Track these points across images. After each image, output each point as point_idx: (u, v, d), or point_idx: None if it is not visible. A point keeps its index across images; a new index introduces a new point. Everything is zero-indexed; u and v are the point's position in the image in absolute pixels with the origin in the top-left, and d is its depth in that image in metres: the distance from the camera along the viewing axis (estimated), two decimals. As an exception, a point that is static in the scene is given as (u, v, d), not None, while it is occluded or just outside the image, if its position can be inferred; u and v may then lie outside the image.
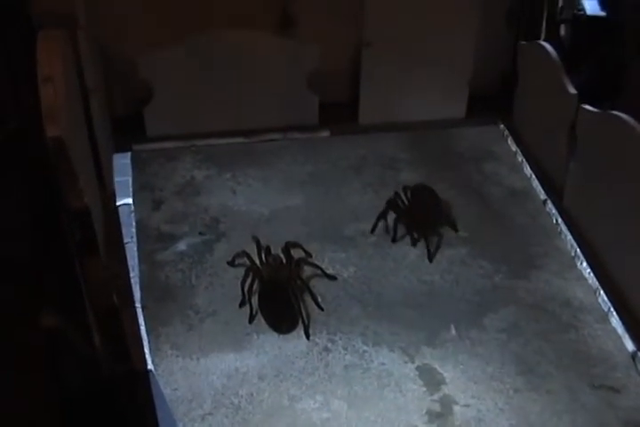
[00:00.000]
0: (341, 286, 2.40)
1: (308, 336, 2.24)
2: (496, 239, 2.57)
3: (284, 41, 2.86)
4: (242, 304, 2.31)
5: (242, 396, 2.08)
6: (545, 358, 2.19)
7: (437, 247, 2.51)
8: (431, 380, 2.12)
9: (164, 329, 2.25)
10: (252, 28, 2.81)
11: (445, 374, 2.14)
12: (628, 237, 2.30)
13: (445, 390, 2.10)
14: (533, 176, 2.80)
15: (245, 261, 2.38)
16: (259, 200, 2.71)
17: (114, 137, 2.86)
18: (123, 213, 2.56)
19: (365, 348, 2.21)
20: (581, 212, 2.57)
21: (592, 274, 2.41)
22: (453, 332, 2.26)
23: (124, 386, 1.70)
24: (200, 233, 2.57)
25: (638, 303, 2.26)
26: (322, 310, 2.31)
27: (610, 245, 2.41)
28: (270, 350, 2.20)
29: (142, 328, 2.18)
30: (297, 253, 2.41)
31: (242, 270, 2.34)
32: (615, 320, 2.28)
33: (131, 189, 2.68)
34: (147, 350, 2.11)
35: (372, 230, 2.57)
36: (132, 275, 2.33)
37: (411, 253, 2.51)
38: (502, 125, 3.05)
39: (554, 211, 2.65)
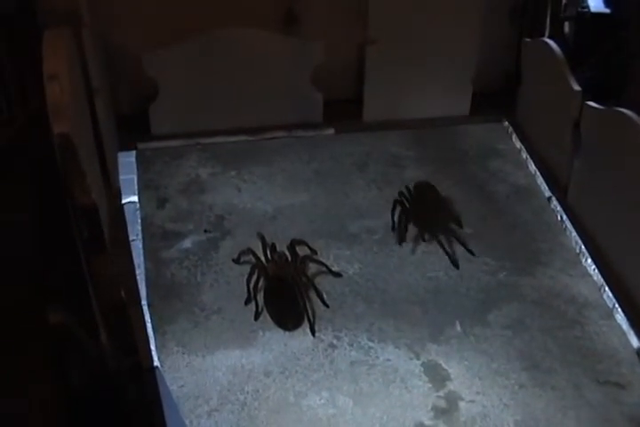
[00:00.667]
0: (346, 282, 2.40)
1: (313, 333, 2.24)
2: (501, 236, 2.58)
3: (289, 39, 2.86)
4: (247, 301, 2.32)
5: (248, 392, 2.08)
6: (550, 355, 2.19)
7: (464, 244, 2.50)
8: (436, 376, 2.13)
9: (169, 326, 2.25)
10: (256, 26, 2.81)
11: (450, 371, 2.14)
12: (632, 233, 2.30)
13: (451, 386, 2.11)
14: (538, 173, 2.81)
15: (251, 258, 2.39)
16: (264, 198, 2.71)
17: (119, 135, 2.87)
18: (128, 211, 2.56)
19: (371, 344, 2.22)
20: (586, 208, 2.57)
21: (597, 270, 2.41)
22: (458, 328, 2.27)
23: (131, 382, 1.71)
24: (205, 231, 2.57)
25: (643, 300, 2.27)
26: (327, 306, 2.32)
27: (614, 241, 2.41)
28: (276, 346, 2.21)
29: (148, 325, 2.19)
30: (302, 251, 2.42)
31: (247, 268, 2.35)
32: (620, 316, 2.28)
33: (136, 187, 2.69)
34: (153, 348, 2.12)
35: (393, 228, 2.56)
36: (137, 273, 2.34)
37: (416, 250, 2.52)
38: (506, 123, 3.05)
39: (558, 208, 2.65)
